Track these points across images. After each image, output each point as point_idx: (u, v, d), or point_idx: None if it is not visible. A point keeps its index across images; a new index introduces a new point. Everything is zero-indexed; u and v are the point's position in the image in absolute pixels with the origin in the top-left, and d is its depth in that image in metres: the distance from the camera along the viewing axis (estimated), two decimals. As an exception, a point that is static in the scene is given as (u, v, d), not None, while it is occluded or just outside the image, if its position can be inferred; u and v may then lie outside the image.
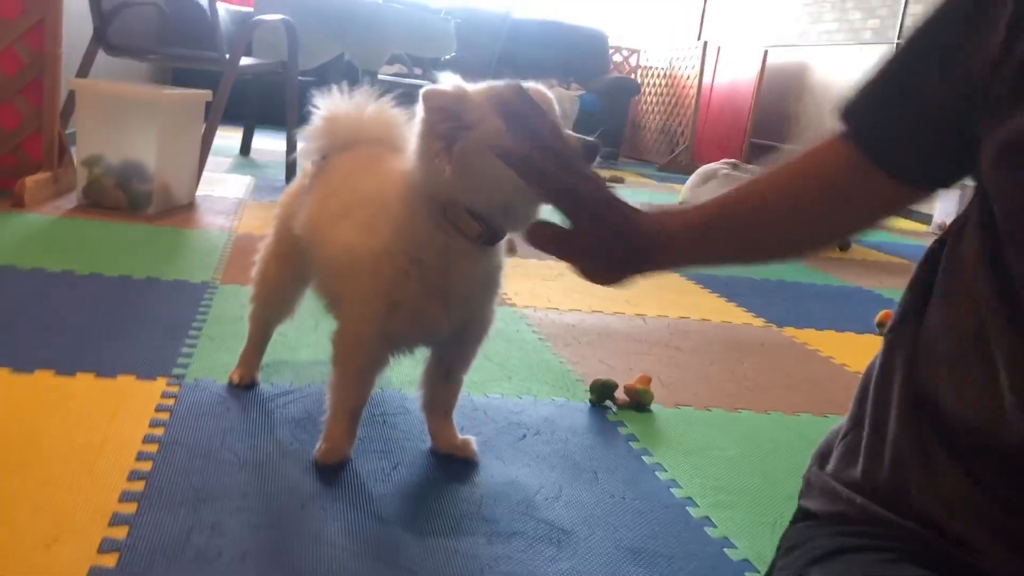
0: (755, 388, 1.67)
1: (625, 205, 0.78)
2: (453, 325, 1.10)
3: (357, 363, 1.12)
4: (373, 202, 1.09)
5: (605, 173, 5.21)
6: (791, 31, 6.20)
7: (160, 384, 1.31)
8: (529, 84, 0.96)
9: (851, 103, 0.77)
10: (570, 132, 0.94)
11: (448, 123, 0.98)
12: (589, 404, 1.46)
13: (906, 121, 0.74)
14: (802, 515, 0.83)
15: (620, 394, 1.47)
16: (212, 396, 1.30)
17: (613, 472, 1.22)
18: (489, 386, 1.49)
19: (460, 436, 1.21)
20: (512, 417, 1.36)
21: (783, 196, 0.81)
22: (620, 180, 5.05)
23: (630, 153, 6.94)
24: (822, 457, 0.84)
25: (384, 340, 1.11)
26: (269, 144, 4.51)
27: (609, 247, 0.79)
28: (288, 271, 1.28)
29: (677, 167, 6.19)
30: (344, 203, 1.13)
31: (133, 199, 2.51)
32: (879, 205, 0.78)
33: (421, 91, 1.00)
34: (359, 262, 1.07)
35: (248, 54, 3.39)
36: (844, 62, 5.63)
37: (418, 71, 5.01)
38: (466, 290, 1.08)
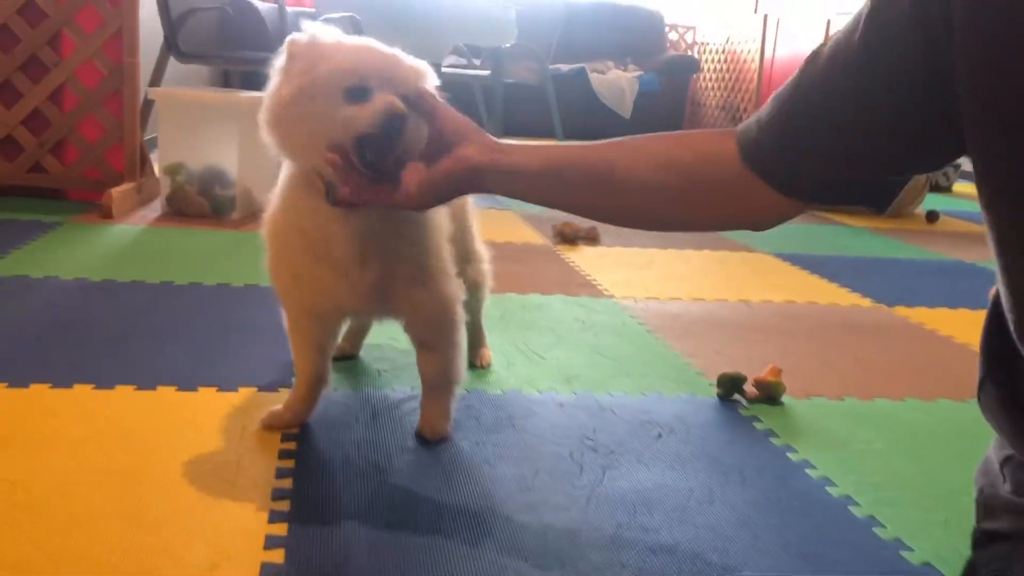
0: (883, 373, 1.59)
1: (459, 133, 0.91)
2: (369, 298, 1.09)
3: (293, 337, 1.18)
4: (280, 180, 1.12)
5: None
6: (854, -2, 6.00)
7: (283, 396, 1.28)
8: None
9: (754, 136, 0.80)
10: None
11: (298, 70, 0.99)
12: (717, 399, 1.40)
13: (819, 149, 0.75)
14: (987, 538, 0.77)
15: (749, 387, 1.41)
16: (336, 405, 1.27)
17: (761, 471, 1.16)
18: (610, 384, 1.44)
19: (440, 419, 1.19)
20: (642, 416, 1.31)
21: (662, 182, 0.84)
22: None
23: (690, 132, 6.82)
24: (988, 476, 0.78)
25: (302, 313, 1.14)
26: (333, 143, 4.50)
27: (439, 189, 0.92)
28: None
29: (741, 144, 6.06)
30: None
31: (216, 205, 2.50)
32: (766, 215, 0.83)
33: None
34: (264, 239, 1.13)
35: (314, 53, 3.37)
36: (913, 27, 5.42)
37: (476, 61, 4.97)
38: (350, 255, 1.05)
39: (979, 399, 0.77)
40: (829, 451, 1.23)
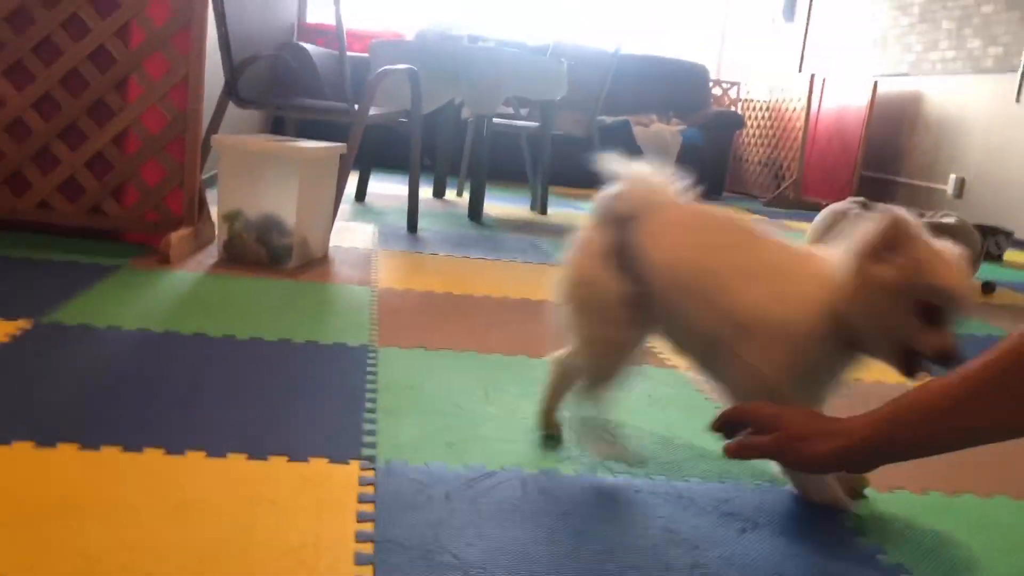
0: (965, 465, 1.52)
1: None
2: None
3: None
4: (781, 276, 1.19)
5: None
6: (903, 60, 5.99)
7: (354, 469, 1.26)
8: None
9: None
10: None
11: (886, 251, 1.08)
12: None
13: None
14: None
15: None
16: (409, 483, 1.24)
17: (854, 576, 1.11)
18: (686, 468, 1.39)
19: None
20: (723, 507, 1.26)
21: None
22: (732, 218, 4.91)
23: (733, 187, 6.79)
24: None
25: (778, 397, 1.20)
26: (380, 189, 4.51)
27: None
28: (625, 327, 1.31)
29: (784, 202, 6.02)
30: (745, 263, 1.21)
31: (273, 254, 2.50)
32: None
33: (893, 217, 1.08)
34: (770, 327, 1.17)
35: (370, 102, 3.39)
36: (963, 91, 5.40)
37: (524, 112, 4.98)
38: (832, 380, 1.24)
39: None
40: (922, 556, 1.18)
